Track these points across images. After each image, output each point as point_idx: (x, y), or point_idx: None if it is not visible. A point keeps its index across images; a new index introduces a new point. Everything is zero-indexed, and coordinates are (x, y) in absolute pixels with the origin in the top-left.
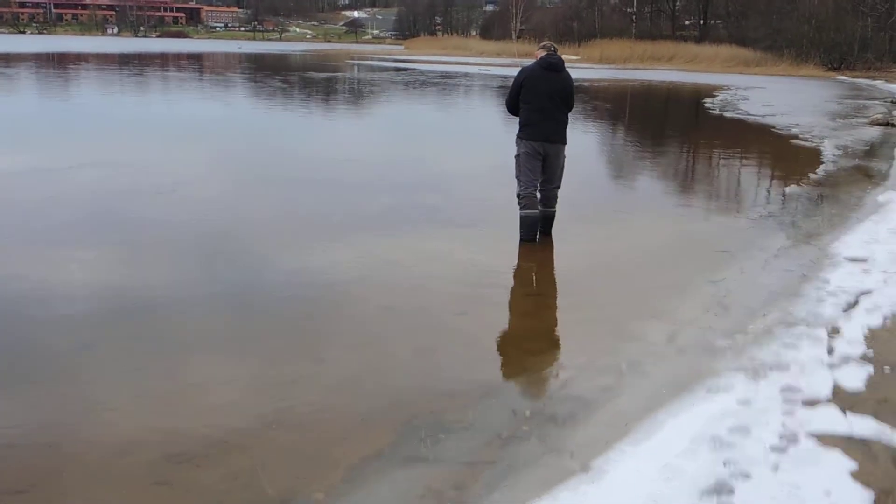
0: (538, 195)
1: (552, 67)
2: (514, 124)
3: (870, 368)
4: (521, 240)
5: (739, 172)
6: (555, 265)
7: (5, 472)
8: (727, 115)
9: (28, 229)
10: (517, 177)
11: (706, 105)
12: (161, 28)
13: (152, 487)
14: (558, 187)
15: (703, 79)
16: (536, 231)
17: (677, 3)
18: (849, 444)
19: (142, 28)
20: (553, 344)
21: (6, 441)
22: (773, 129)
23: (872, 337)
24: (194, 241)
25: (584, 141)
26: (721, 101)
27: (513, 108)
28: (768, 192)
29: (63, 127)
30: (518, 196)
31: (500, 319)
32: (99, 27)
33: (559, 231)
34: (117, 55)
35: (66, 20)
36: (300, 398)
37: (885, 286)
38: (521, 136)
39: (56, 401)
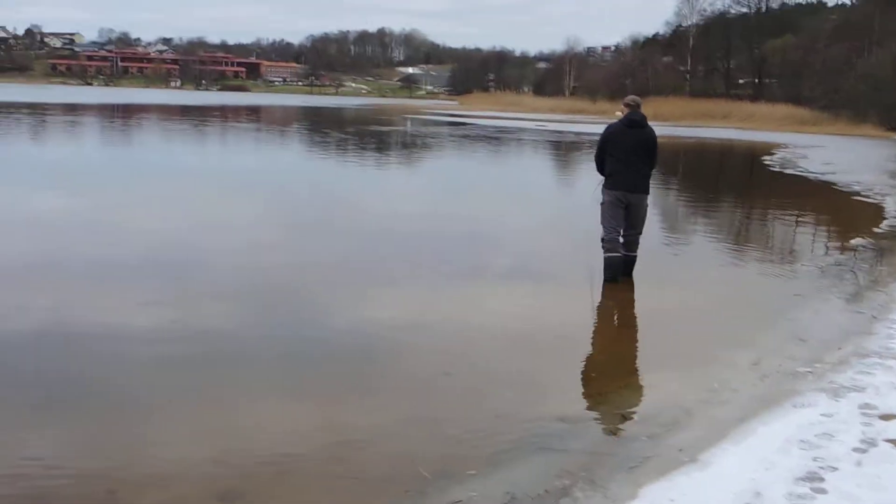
0: (621, 240)
1: (635, 124)
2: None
3: None
4: (605, 280)
5: (806, 225)
6: (638, 303)
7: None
8: (788, 172)
9: (91, 272)
10: (602, 223)
11: (766, 162)
12: (222, 82)
13: (328, 462)
14: (640, 233)
15: (759, 137)
16: (619, 272)
17: (731, 62)
18: None
19: (203, 82)
20: (648, 365)
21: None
22: (834, 187)
23: None
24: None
25: (658, 195)
26: (781, 158)
27: (600, 163)
28: (835, 243)
29: (134, 175)
30: (602, 240)
31: (595, 345)
32: (162, 80)
33: (639, 273)
34: (193, 108)
35: (132, 73)
36: (431, 402)
37: None
38: (606, 185)
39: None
